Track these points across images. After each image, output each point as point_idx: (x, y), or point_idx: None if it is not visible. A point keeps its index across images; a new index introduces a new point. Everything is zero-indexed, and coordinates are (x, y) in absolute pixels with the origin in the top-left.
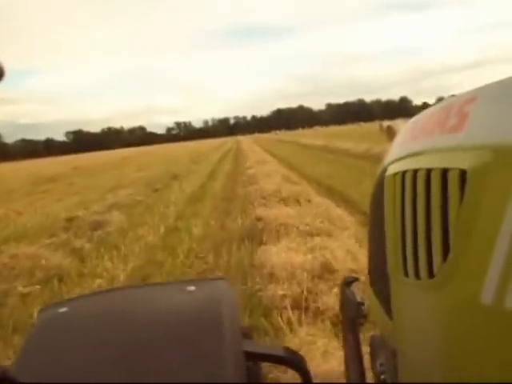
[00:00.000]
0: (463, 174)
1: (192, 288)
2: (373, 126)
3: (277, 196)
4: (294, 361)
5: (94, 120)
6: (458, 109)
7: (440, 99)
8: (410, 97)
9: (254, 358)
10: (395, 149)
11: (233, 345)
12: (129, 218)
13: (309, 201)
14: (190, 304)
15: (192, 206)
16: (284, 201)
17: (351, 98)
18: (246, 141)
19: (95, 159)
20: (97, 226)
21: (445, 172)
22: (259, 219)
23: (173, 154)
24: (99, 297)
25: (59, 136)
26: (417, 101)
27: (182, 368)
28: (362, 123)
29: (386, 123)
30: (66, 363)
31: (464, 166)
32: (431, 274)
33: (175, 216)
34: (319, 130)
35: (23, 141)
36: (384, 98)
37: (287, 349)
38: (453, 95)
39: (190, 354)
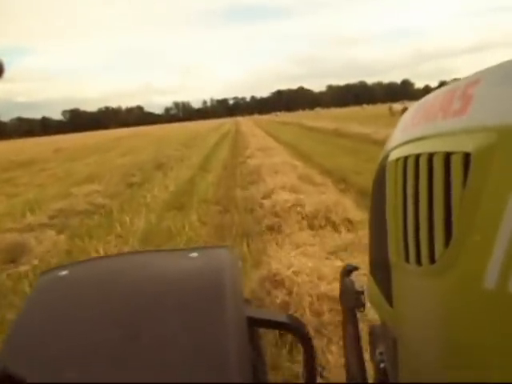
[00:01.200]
0: (467, 157)
1: (195, 254)
2: (377, 108)
3: (297, 212)
4: (295, 327)
5: (92, 99)
6: (462, 92)
7: (442, 82)
8: (412, 80)
9: (257, 323)
10: (397, 134)
11: (235, 309)
12: (65, 241)
13: (350, 222)
14: (192, 270)
15: (170, 219)
16: (310, 223)
17: (351, 80)
18: (245, 122)
19: (86, 140)
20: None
21: (448, 156)
22: (275, 280)
23: (167, 135)
24: (100, 262)
25: (56, 115)
26: (419, 84)
27: (183, 332)
28: (365, 105)
29: (396, 106)
30: (63, 326)
31: (468, 148)
32: (433, 260)
33: (140, 237)
34: (321, 111)
35: (19, 119)
36: (385, 80)
37: (289, 316)
38: (455, 79)
39: (191, 318)
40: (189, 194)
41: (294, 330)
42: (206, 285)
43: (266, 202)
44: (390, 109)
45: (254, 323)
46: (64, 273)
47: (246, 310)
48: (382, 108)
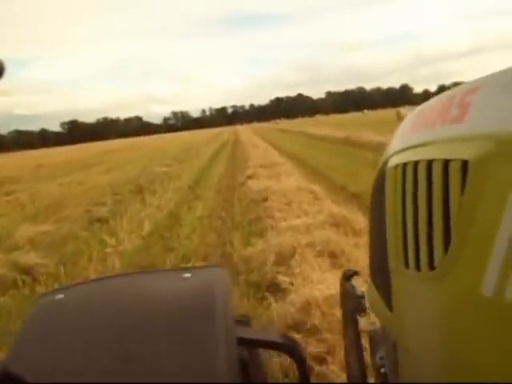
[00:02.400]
0: (465, 164)
1: (187, 275)
2: (379, 114)
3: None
4: (289, 347)
5: (90, 110)
6: (460, 100)
7: (442, 86)
8: (411, 84)
9: (248, 343)
10: (397, 141)
11: (225, 330)
12: None
13: None
14: (184, 291)
15: None
16: None
17: (349, 86)
18: (244, 131)
19: (77, 153)
20: None
21: (446, 163)
22: None
23: (161, 146)
24: (96, 284)
25: (55, 127)
26: (418, 88)
27: (174, 352)
28: (366, 111)
29: (403, 110)
30: (60, 350)
31: (466, 156)
32: (432, 266)
33: None
34: (322, 118)
35: (17, 132)
36: (383, 85)
37: (283, 335)
38: (455, 82)
39: (182, 339)
40: (167, 242)
41: (286, 349)
42: (197, 306)
43: (285, 282)
44: (398, 114)
45: (247, 344)
46: (60, 296)
47: (238, 331)
48: (384, 113)
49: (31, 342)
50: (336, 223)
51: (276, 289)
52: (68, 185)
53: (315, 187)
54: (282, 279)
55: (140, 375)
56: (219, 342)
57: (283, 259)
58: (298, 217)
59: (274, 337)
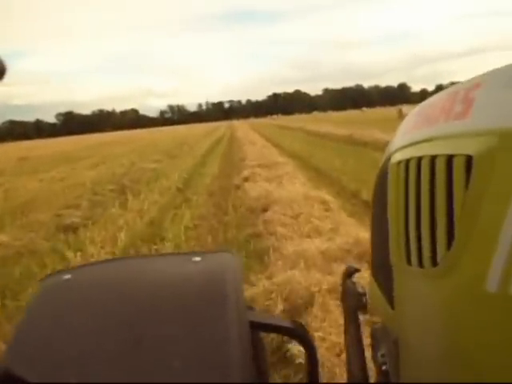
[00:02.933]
0: (469, 159)
1: (197, 259)
2: (377, 112)
3: None
4: (297, 332)
5: (86, 102)
6: (463, 95)
7: (439, 86)
8: (408, 83)
9: (258, 328)
10: (399, 137)
11: (237, 313)
12: None
13: None
14: (194, 274)
15: None
16: None
17: (347, 84)
18: (241, 126)
19: (69, 145)
20: None
21: (450, 158)
22: None
23: (154, 140)
24: (103, 266)
25: (50, 118)
26: (416, 87)
27: (185, 336)
28: (364, 109)
29: (406, 108)
30: (66, 332)
31: (470, 151)
32: (435, 263)
33: None
34: (319, 115)
35: (12, 122)
36: (381, 84)
37: (292, 321)
38: (452, 82)
39: (193, 322)
40: None
41: (296, 334)
42: (208, 289)
43: (299, 355)
44: (400, 112)
45: (256, 327)
46: (67, 276)
47: (249, 315)
48: (383, 111)
49: (36, 327)
50: (360, 254)
51: (287, 364)
52: (49, 181)
53: (324, 194)
54: (295, 351)
55: (151, 358)
56: (231, 325)
57: (296, 311)
58: (308, 236)
59: (284, 322)
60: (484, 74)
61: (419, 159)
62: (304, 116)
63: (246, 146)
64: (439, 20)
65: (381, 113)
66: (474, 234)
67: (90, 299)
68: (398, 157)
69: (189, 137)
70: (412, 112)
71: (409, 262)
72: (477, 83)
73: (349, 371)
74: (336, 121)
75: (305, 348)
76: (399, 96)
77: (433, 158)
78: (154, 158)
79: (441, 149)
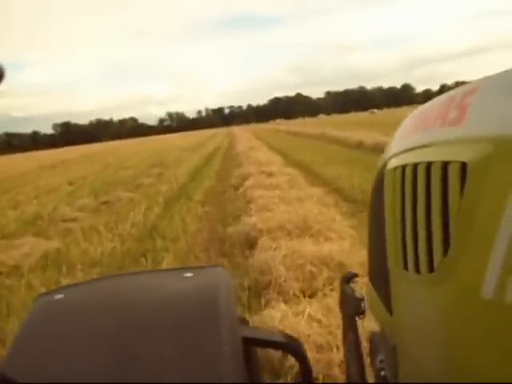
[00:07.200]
0: (464, 166)
1: (189, 274)
2: (388, 114)
3: None
4: (292, 347)
5: (85, 112)
6: (458, 101)
7: (443, 86)
8: (412, 84)
9: (252, 343)
10: (395, 143)
11: (230, 330)
12: None
13: None
14: (186, 290)
15: None
16: None
17: (348, 86)
18: (242, 133)
19: (57, 157)
20: None
21: (445, 165)
22: None
23: (146, 150)
24: (95, 284)
25: (48, 129)
26: (419, 88)
27: (178, 353)
28: (375, 110)
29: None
30: (59, 352)
31: (464, 158)
32: (431, 269)
33: None
34: (325, 118)
35: (7, 134)
36: (384, 85)
37: (286, 335)
38: (457, 82)
39: (186, 339)
40: None
41: (290, 348)
42: (201, 305)
43: None
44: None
45: (250, 343)
46: (59, 296)
47: (242, 330)
48: (393, 112)
49: (29, 346)
50: None
51: None
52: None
53: None
54: None
55: (144, 376)
56: (224, 341)
57: None
58: None
59: (278, 336)
60: (479, 81)
61: (415, 165)
62: (308, 120)
63: (247, 163)
64: (439, 20)
65: (392, 114)
66: (469, 240)
67: (82, 318)
68: (394, 163)
69: (172, 150)
70: (408, 117)
71: (406, 267)
72: (472, 89)
73: (348, 377)
74: (347, 124)
75: (299, 362)
76: (403, 97)
77: (428, 165)
78: (135, 172)
79: (436, 155)
